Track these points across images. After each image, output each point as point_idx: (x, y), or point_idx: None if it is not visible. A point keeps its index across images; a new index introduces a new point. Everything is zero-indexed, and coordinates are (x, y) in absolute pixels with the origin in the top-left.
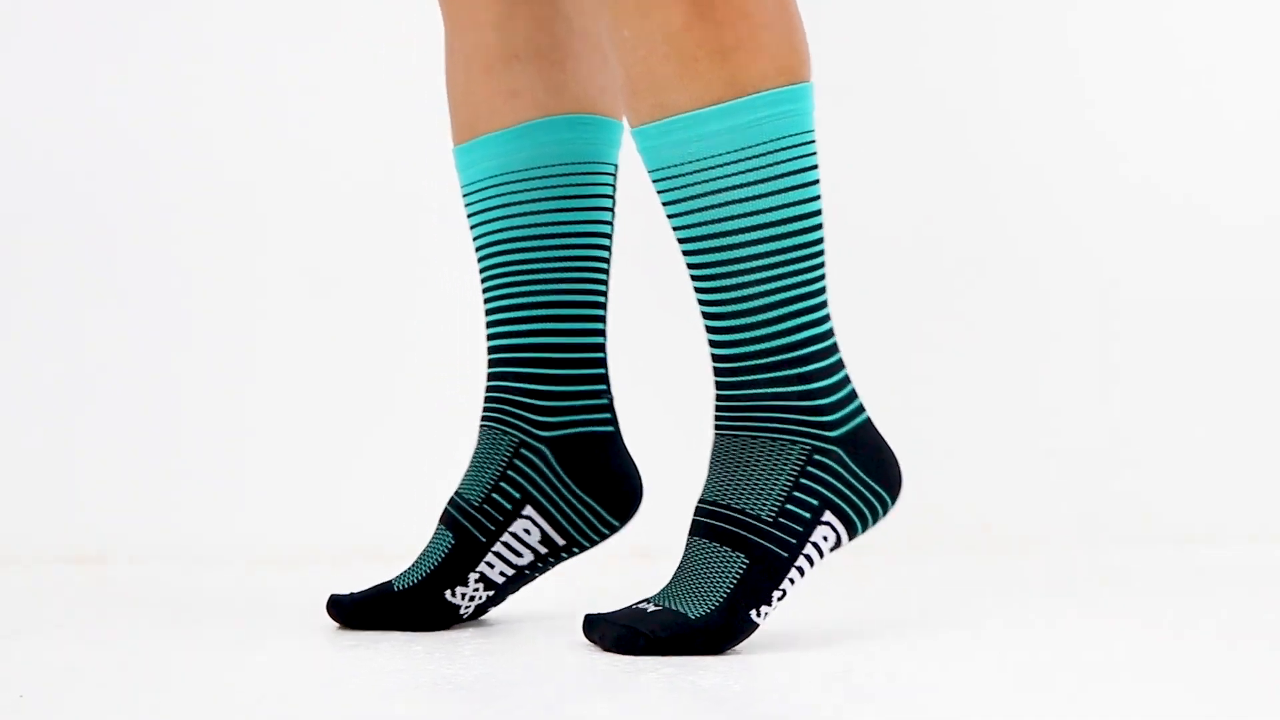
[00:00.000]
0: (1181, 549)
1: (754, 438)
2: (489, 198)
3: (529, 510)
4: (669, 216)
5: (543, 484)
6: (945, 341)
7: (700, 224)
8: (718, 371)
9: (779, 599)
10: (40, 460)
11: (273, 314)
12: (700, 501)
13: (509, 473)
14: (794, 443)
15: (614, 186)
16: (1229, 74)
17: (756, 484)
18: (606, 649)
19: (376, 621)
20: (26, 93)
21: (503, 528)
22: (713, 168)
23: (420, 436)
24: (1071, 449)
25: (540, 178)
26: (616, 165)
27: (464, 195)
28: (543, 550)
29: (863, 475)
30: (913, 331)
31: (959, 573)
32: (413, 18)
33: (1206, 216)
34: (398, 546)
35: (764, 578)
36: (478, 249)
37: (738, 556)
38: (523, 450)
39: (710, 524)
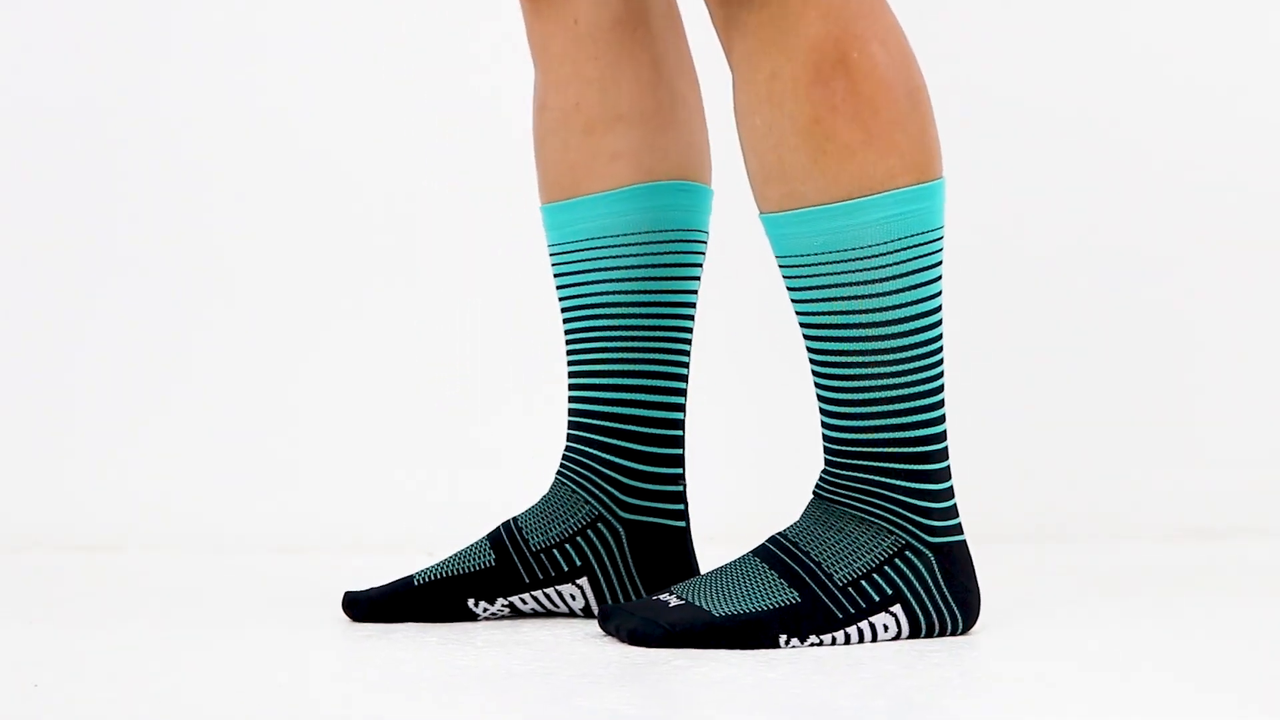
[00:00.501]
0: (1180, 545)
1: (854, 513)
2: (585, 260)
3: (583, 581)
4: (794, 303)
5: (608, 564)
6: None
7: (822, 314)
8: (829, 451)
9: (813, 644)
10: (54, 449)
11: (293, 304)
12: (779, 534)
13: (578, 539)
14: (891, 531)
15: (704, 255)
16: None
17: (841, 550)
18: (622, 640)
19: (393, 615)
20: (28, 75)
21: (552, 583)
22: (837, 262)
23: (436, 428)
24: (1078, 441)
25: (642, 243)
26: (708, 233)
27: (553, 254)
28: (579, 614)
29: (945, 591)
30: None
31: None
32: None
33: (1213, 205)
34: (404, 537)
35: (808, 620)
36: (568, 309)
37: (791, 592)
38: (599, 524)
39: (778, 556)
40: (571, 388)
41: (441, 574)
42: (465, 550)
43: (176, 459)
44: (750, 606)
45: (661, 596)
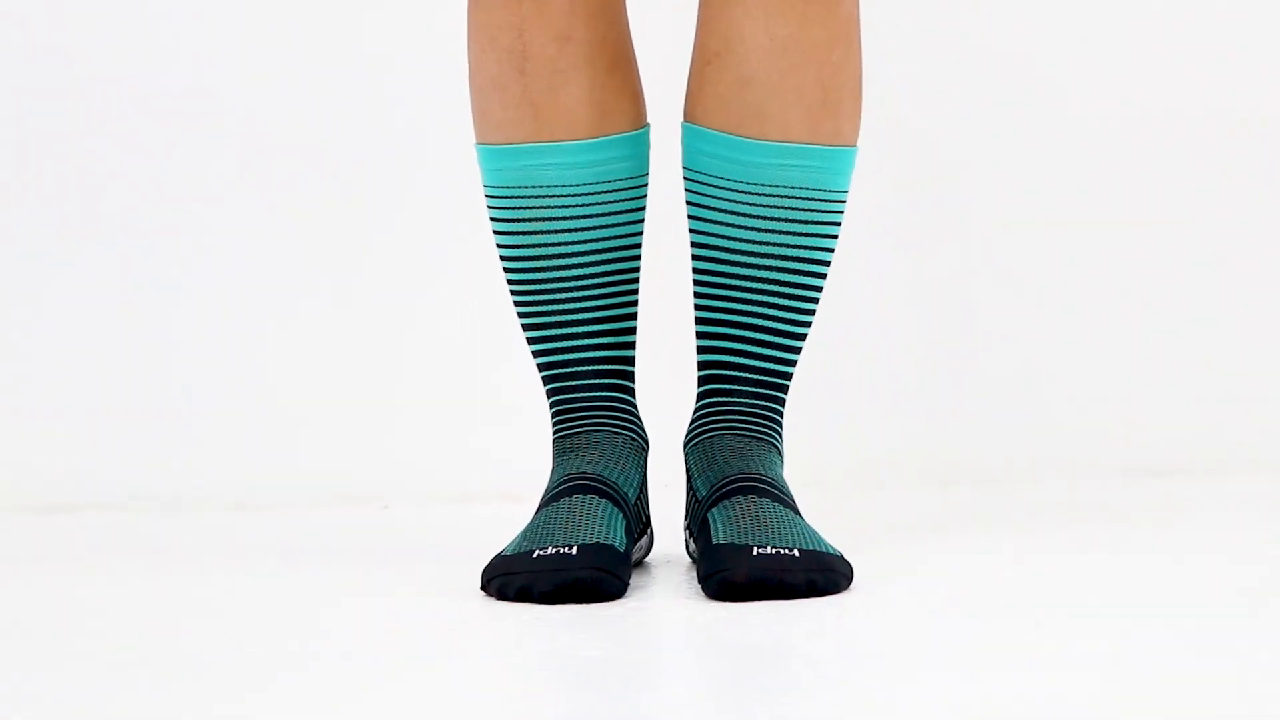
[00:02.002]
0: (1142, 481)
1: (742, 436)
2: (545, 207)
3: (651, 530)
4: (702, 226)
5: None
6: (909, 274)
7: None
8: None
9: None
10: (71, 409)
11: (316, 259)
12: (755, 474)
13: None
14: (776, 444)
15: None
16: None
17: (767, 465)
18: (800, 596)
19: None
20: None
21: (642, 534)
22: (766, 195)
23: (459, 380)
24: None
25: (603, 192)
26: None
27: (504, 198)
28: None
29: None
30: (881, 269)
31: (929, 508)
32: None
33: (1175, 134)
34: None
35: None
36: (520, 257)
37: (794, 514)
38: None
39: (778, 493)
40: (552, 339)
41: (619, 538)
42: (599, 510)
43: (186, 415)
44: (818, 537)
45: (781, 553)
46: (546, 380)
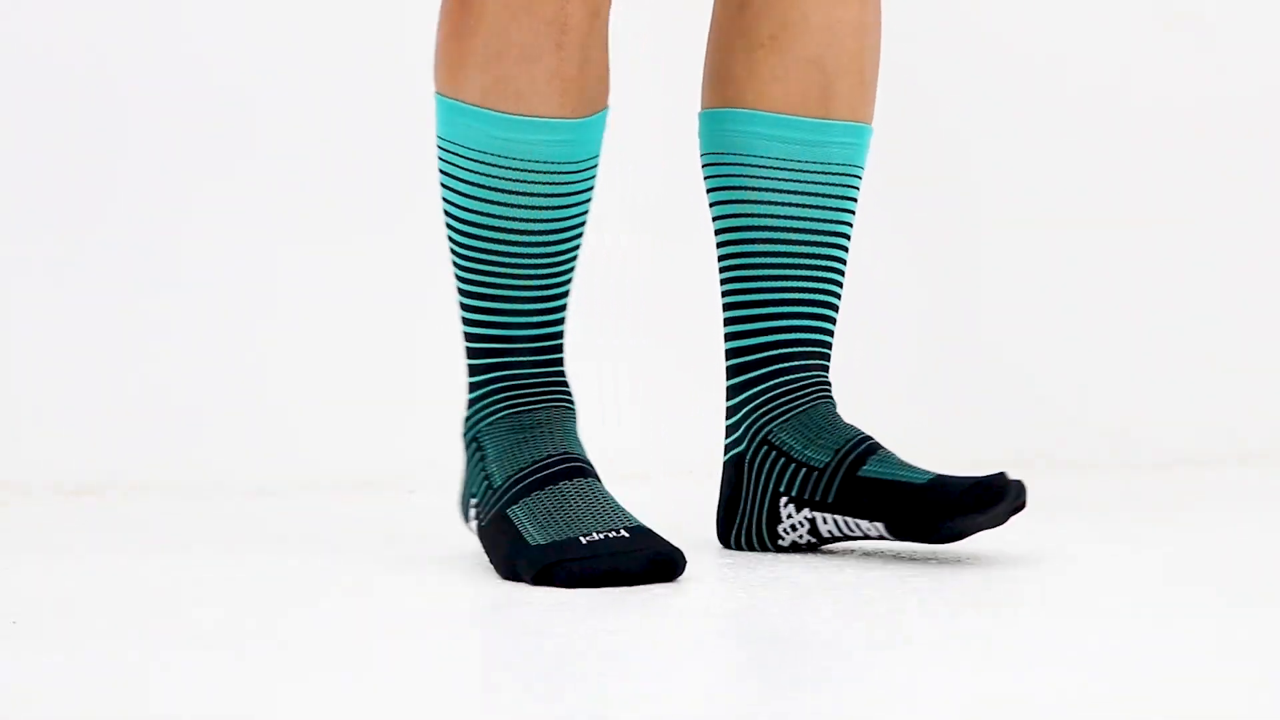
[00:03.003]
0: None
1: (832, 406)
2: (522, 179)
3: None
4: (756, 209)
5: None
6: (918, 264)
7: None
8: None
9: None
10: (102, 396)
11: (315, 240)
12: (852, 439)
13: None
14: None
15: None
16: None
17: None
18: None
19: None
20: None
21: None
22: (829, 174)
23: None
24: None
25: (571, 172)
26: None
27: (473, 162)
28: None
29: None
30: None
31: None
32: None
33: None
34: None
35: None
36: (480, 225)
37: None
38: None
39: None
40: (510, 313)
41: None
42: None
43: (172, 398)
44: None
45: (948, 476)
46: (491, 354)
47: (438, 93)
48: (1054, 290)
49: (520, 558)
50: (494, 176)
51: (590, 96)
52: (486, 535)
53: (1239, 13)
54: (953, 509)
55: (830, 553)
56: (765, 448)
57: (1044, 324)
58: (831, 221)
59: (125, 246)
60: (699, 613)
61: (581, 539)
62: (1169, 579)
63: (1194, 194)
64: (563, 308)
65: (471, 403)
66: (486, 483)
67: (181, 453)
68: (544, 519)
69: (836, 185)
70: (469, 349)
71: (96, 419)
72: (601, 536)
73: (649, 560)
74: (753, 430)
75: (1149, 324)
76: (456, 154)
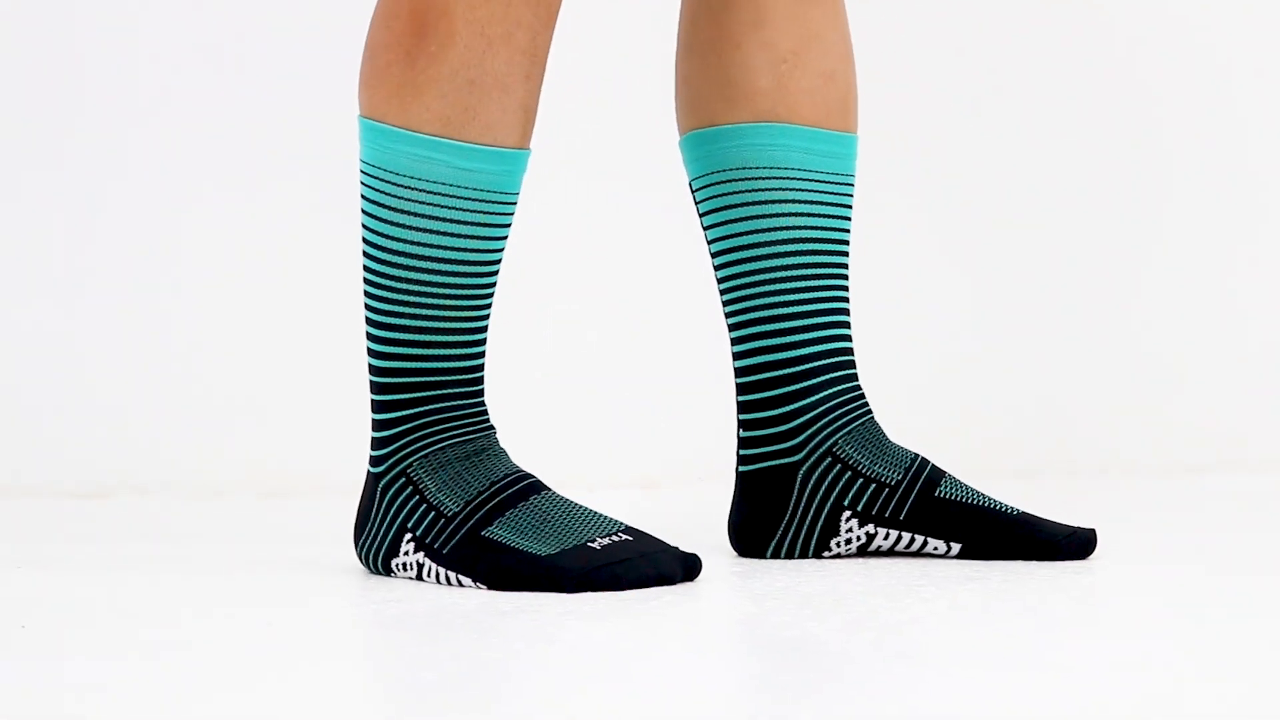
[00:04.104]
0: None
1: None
2: (476, 208)
3: None
4: (783, 221)
5: None
6: (952, 259)
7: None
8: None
9: None
10: (113, 400)
11: (295, 236)
12: (914, 460)
13: None
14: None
15: None
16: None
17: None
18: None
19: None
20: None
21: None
22: (842, 184)
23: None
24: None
25: (503, 203)
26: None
27: (405, 188)
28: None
29: None
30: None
31: None
32: None
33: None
34: None
35: None
36: (398, 253)
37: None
38: None
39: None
40: (441, 345)
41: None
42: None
43: (167, 403)
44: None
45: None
46: (417, 388)
47: (370, 118)
48: (1054, 291)
49: (539, 569)
50: (445, 207)
51: (531, 129)
52: (454, 563)
53: (1239, 13)
54: (1053, 552)
55: (838, 562)
56: (829, 460)
57: (1046, 329)
58: (845, 230)
59: (130, 249)
60: (707, 621)
61: (590, 544)
62: (1179, 590)
63: (1195, 194)
64: (485, 339)
65: (386, 441)
66: (434, 513)
67: (187, 456)
68: (533, 532)
69: (848, 195)
70: (385, 384)
71: (97, 420)
72: (609, 540)
73: (679, 560)
74: (814, 442)
75: (1150, 325)
76: (397, 184)
